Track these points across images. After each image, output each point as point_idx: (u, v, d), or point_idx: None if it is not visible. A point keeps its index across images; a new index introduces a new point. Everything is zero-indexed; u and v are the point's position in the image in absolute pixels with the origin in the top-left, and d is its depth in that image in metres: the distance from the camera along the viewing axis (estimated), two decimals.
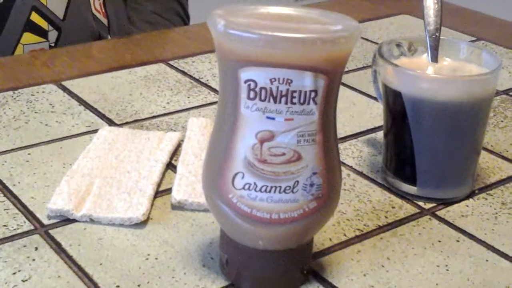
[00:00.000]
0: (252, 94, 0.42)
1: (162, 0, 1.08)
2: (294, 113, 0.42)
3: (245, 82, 0.42)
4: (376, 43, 0.90)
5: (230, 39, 0.41)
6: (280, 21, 0.43)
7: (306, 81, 0.41)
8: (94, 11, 0.96)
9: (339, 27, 0.42)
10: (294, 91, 0.41)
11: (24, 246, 0.50)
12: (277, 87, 0.41)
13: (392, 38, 0.62)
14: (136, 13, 1.06)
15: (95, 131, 0.65)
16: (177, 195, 0.55)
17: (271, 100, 0.42)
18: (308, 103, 0.42)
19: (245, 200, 0.44)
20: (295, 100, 0.42)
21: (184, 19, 1.11)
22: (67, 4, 0.91)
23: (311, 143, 0.43)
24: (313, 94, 0.42)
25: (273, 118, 0.42)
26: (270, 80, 0.41)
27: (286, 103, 0.42)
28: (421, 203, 0.58)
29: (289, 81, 0.41)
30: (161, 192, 0.57)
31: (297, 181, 0.43)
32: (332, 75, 0.42)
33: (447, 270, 0.50)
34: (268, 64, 0.41)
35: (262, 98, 0.42)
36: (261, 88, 0.41)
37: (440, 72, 0.58)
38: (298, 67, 0.41)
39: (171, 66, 0.81)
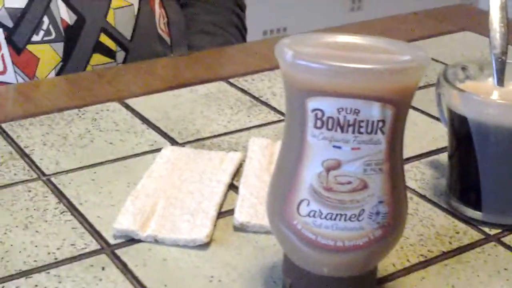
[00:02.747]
0: (319, 123, 0.42)
1: (221, 12, 1.09)
2: (361, 143, 0.42)
3: (312, 111, 0.42)
4: (438, 61, 0.89)
5: (298, 70, 0.41)
6: (348, 51, 0.43)
7: (374, 111, 0.41)
8: (159, 31, 0.98)
9: (407, 57, 0.42)
10: (361, 121, 0.41)
11: (91, 265, 0.51)
12: (345, 117, 0.41)
13: (454, 61, 0.61)
14: (194, 24, 1.07)
15: (158, 150, 0.66)
16: (239, 217, 0.55)
17: (338, 129, 0.42)
18: (376, 133, 0.42)
19: (310, 227, 0.44)
20: (362, 130, 0.42)
21: (242, 31, 1.12)
22: (135, 25, 0.93)
23: (378, 172, 0.43)
24: (380, 124, 0.42)
25: (340, 147, 0.42)
26: (338, 109, 0.41)
27: (353, 132, 0.42)
28: (486, 229, 0.57)
29: (356, 111, 0.41)
30: (223, 213, 0.58)
31: (363, 209, 0.43)
32: (400, 105, 0.42)
33: None
34: (336, 94, 0.41)
35: (329, 127, 0.42)
36: (328, 118, 0.42)
37: (507, 97, 0.57)
38: (365, 97, 0.41)
39: (231, 84, 0.82)
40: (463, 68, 0.59)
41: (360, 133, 0.42)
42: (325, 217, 0.43)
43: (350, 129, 0.42)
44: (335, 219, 0.43)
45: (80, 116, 0.73)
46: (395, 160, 0.43)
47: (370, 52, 0.43)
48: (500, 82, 0.58)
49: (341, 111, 0.41)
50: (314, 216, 0.44)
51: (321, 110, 0.42)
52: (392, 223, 0.44)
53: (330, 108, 0.41)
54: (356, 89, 0.41)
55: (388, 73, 0.41)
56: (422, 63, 0.42)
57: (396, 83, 0.41)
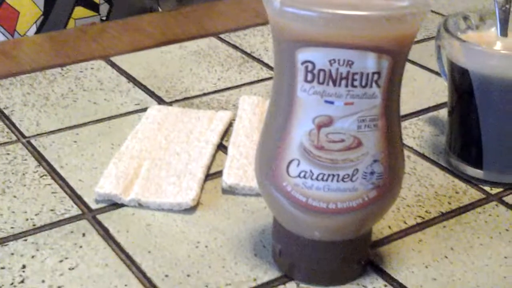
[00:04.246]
0: (309, 77, 0.39)
1: None
2: (355, 97, 0.39)
3: (302, 63, 0.38)
4: (438, 13, 0.86)
5: (287, 18, 0.38)
6: None
7: (369, 63, 0.38)
8: None
9: (406, 2, 0.38)
10: (355, 73, 0.38)
11: (72, 232, 0.48)
12: (337, 69, 0.38)
13: (458, 11, 0.58)
14: None
15: (144, 109, 0.63)
16: (228, 179, 0.52)
17: (330, 83, 0.38)
18: (371, 86, 0.39)
19: (300, 188, 0.41)
20: (356, 83, 0.38)
21: None
22: None
23: (373, 129, 0.40)
24: (376, 77, 0.38)
25: (332, 102, 0.39)
26: (330, 61, 0.38)
27: (346, 86, 0.38)
28: (487, 188, 0.54)
29: (350, 62, 0.38)
30: (211, 175, 0.55)
31: (357, 169, 0.40)
32: (397, 56, 0.39)
33: None
34: (327, 44, 0.38)
35: (321, 80, 0.39)
36: (319, 70, 0.38)
37: (510, 48, 0.54)
38: (360, 47, 0.37)
39: (222, 40, 0.78)
40: (465, 18, 0.56)
41: (353, 86, 0.38)
42: (317, 178, 0.41)
43: (343, 82, 0.38)
44: (327, 179, 0.40)
45: (63, 75, 0.70)
46: (391, 116, 0.40)
47: None
48: (504, 32, 0.55)
49: (333, 63, 0.38)
50: (304, 177, 0.41)
51: (311, 62, 0.38)
52: (388, 183, 0.41)
53: (321, 60, 0.38)
54: (350, 39, 0.37)
55: (385, 20, 0.37)
56: (422, 9, 0.38)
57: (393, 31, 0.38)
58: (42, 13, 0.84)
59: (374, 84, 0.39)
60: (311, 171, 0.41)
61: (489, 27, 0.56)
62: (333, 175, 0.40)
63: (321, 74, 0.38)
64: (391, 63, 0.38)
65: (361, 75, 0.38)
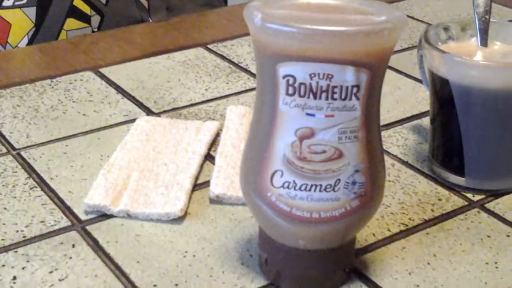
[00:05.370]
0: (291, 90, 0.40)
1: None
2: (335, 109, 0.40)
3: (284, 77, 0.40)
4: (422, 21, 0.87)
5: (268, 33, 0.39)
6: (320, 12, 0.40)
7: (348, 76, 0.39)
8: None
9: (383, 18, 0.40)
10: (335, 87, 0.39)
11: (61, 243, 0.49)
12: (317, 83, 0.39)
13: (439, 21, 0.59)
14: None
15: (133, 120, 0.64)
16: (215, 189, 0.53)
17: (311, 96, 0.40)
18: (350, 99, 0.40)
19: (284, 198, 0.42)
20: (336, 96, 0.39)
21: None
22: None
23: (353, 140, 0.41)
24: (355, 90, 0.39)
25: (313, 115, 0.40)
26: (310, 75, 0.39)
27: (326, 99, 0.40)
28: (469, 195, 0.56)
29: (329, 76, 0.39)
30: (199, 185, 0.56)
31: (339, 179, 0.42)
32: (375, 69, 0.40)
33: (497, 267, 0.48)
34: (307, 58, 0.39)
35: (302, 94, 0.40)
36: (300, 84, 0.39)
37: (490, 58, 0.55)
38: (339, 62, 0.39)
39: (210, 50, 0.79)
40: (445, 29, 0.57)
41: (333, 99, 0.40)
42: (300, 188, 0.42)
43: (324, 95, 0.39)
44: (310, 190, 0.42)
45: (52, 87, 0.71)
46: (371, 127, 0.41)
47: (344, 13, 0.41)
48: (484, 42, 0.56)
49: (314, 77, 0.39)
50: (288, 187, 0.42)
51: (292, 76, 0.39)
52: (370, 192, 0.43)
53: (302, 74, 0.39)
54: (329, 53, 0.38)
55: (362, 35, 0.38)
56: (398, 24, 0.39)
57: (371, 45, 0.39)
58: (34, 25, 0.85)
59: (353, 97, 0.40)
60: (294, 181, 0.42)
61: (470, 38, 0.57)
62: (316, 185, 0.42)
63: (302, 87, 0.39)
64: (370, 76, 0.39)
65: (341, 88, 0.39)
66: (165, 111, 0.67)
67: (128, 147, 0.59)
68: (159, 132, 0.61)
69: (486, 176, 0.56)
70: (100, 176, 0.54)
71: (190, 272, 0.47)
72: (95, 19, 0.90)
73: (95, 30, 0.90)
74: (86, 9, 0.88)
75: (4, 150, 0.60)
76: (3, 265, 0.47)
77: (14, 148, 0.60)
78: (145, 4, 0.98)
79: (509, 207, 0.54)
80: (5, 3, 0.84)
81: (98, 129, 0.63)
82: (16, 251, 0.48)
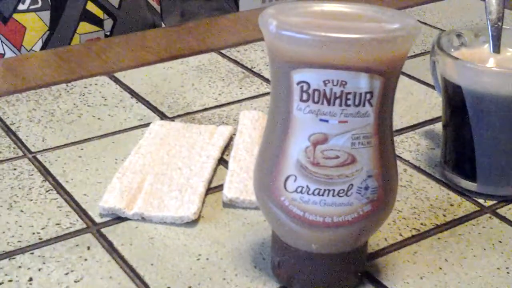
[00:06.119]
0: (305, 96, 0.40)
1: None
2: (349, 115, 0.40)
3: (298, 84, 0.40)
4: (435, 27, 0.87)
5: (283, 41, 0.40)
6: (334, 20, 0.41)
7: (361, 83, 0.40)
8: None
9: (396, 25, 0.40)
10: (348, 93, 0.40)
11: (77, 245, 0.50)
12: (331, 89, 0.40)
13: (451, 27, 0.60)
14: None
15: (147, 124, 0.65)
16: (228, 193, 0.54)
17: (325, 102, 0.40)
18: (364, 105, 0.40)
19: (297, 203, 0.43)
20: (349, 102, 0.40)
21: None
22: None
23: (366, 146, 0.41)
24: (368, 96, 0.40)
25: (327, 121, 0.41)
26: (324, 82, 0.40)
27: (340, 105, 0.40)
28: (481, 201, 0.56)
29: (343, 82, 0.39)
30: (212, 189, 0.56)
31: (351, 184, 0.42)
32: (388, 76, 0.40)
33: (508, 273, 0.48)
34: (321, 65, 0.39)
35: (315, 100, 0.40)
36: (314, 90, 0.40)
37: (503, 64, 0.56)
38: (352, 69, 0.39)
39: (223, 55, 0.80)
40: (458, 35, 0.58)
41: (347, 105, 0.40)
42: (313, 193, 0.42)
43: (337, 101, 0.40)
44: (323, 194, 0.42)
45: (68, 91, 0.72)
46: (384, 133, 0.42)
47: (358, 20, 0.41)
48: (496, 49, 0.56)
49: (328, 83, 0.40)
50: (301, 192, 0.42)
51: (306, 83, 0.40)
52: (382, 198, 0.43)
53: (316, 81, 0.40)
54: (343, 60, 0.39)
55: (376, 42, 0.39)
56: (412, 32, 0.40)
57: (384, 53, 0.39)
58: (48, 29, 0.86)
59: (367, 103, 0.40)
60: (307, 186, 0.42)
61: (482, 44, 0.58)
62: (329, 190, 0.42)
63: (316, 94, 0.40)
64: (383, 82, 0.40)
65: (354, 94, 0.40)
66: (179, 116, 0.67)
67: (143, 151, 0.59)
68: (173, 136, 0.62)
69: (498, 181, 0.56)
70: (115, 180, 0.55)
71: (204, 275, 0.47)
72: (108, 23, 0.91)
73: (108, 34, 0.91)
74: (99, 13, 0.89)
75: (21, 154, 0.61)
76: (20, 267, 0.48)
77: (30, 152, 0.61)
78: (157, 8, 0.99)
79: None
80: (20, 7, 0.85)
81: (113, 133, 0.64)
82: (32, 253, 0.49)
